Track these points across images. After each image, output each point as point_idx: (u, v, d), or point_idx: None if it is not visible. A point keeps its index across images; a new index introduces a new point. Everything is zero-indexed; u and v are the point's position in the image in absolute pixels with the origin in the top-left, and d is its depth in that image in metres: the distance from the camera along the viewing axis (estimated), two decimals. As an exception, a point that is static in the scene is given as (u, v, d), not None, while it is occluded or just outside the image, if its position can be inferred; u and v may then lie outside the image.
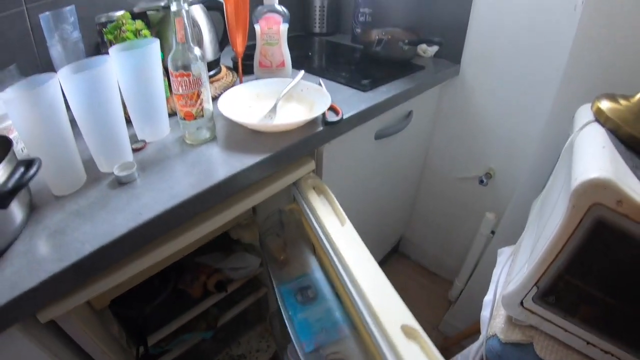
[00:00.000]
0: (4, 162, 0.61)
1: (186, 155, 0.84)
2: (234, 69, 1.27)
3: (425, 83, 1.36)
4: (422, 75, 1.37)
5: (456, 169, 1.75)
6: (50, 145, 0.69)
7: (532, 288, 0.79)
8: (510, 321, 0.88)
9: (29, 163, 0.62)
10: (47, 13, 0.93)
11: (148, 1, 1.13)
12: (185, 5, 0.75)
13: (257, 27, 1.13)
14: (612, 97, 0.88)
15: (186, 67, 0.78)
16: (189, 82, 0.80)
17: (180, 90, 0.80)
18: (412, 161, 1.74)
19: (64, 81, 0.68)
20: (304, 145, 0.92)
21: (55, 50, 0.96)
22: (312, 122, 0.96)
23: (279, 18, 1.12)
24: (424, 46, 1.54)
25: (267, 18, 1.12)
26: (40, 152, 0.67)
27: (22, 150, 0.78)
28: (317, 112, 0.94)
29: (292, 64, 1.20)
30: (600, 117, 0.85)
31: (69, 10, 0.97)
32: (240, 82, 1.15)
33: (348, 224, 0.88)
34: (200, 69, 0.80)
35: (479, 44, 1.46)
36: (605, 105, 0.86)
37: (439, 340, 1.78)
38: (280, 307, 0.98)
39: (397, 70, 1.35)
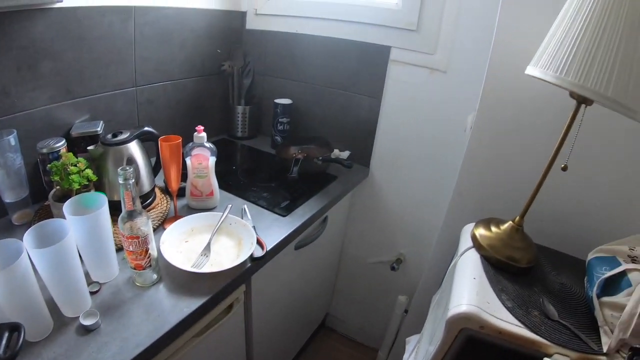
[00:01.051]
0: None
1: (140, 299, 0.96)
2: (167, 190, 1.38)
3: (338, 195, 1.56)
4: (336, 185, 1.59)
5: (370, 254, 1.97)
6: (23, 306, 0.79)
7: None
8: None
9: (12, 327, 0.73)
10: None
11: (84, 126, 1.26)
12: (131, 181, 0.89)
13: (188, 161, 1.28)
14: (487, 224, 1.12)
15: (135, 231, 0.93)
16: (138, 242, 0.94)
17: (131, 248, 0.94)
18: (330, 254, 1.93)
19: (32, 254, 0.79)
20: (236, 281, 1.07)
21: (-1, 178, 1.06)
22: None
23: (207, 154, 1.28)
24: (337, 151, 1.76)
25: (196, 155, 1.28)
26: (14, 311, 0.77)
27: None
28: (245, 253, 1.10)
29: (221, 183, 1.36)
30: (475, 243, 1.09)
31: (13, 137, 1.07)
32: (175, 212, 1.30)
33: None
34: (147, 231, 0.95)
35: (386, 150, 1.72)
36: (479, 232, 1.10)
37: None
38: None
39: (313, 185, 1.54)
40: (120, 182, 0.88)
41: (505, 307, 0.88)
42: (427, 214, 1.71)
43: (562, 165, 0.94)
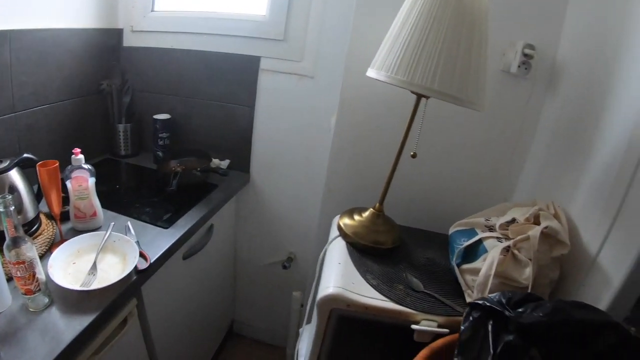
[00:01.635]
0: None
1: (34, 324, 0.96)
2: (51, 216, 1.35)
3: (220, 202, 1.63)
4: (216, 194, 1.65)
5: (263, 257, 2.06)
6: None
7: None
8: None
9: None
10: None
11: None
12: (11, 208, 0.90)
13: (68, 184, 1.28)
14: (350, 214, 1.24)
15: (21, 257, 0.93)
16: (25, 267, 0.94)
17: (19, 274, 0.95)
18: (223, 261, 1.98)
19: None
20: (124, 295, 1.11)
21: None
22: (128, 274, 1.13)
23: (87, 175, 1.29)
24: (217, 161, 1.83)
25: (76, 177, 1.28)
26: None
27: None
28: (129, 267, 1.14)
29: (103, 203, 1.36)
30: (341, 232, 1.20)
31: None
32: (61, 235, 1.28)
33: None
34: (32, 256, 0.96)
35: (263, 155, 1.83)
36: (344, 222, 1.22)
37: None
38: None
39: (194, 196, 1.59)
40: (1, 210, 0.89)
41: (370, 285, 1.00)
42: (308, 212, 1.83)
43: (412, 153, 1.08)
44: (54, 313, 1.01)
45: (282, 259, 1.96)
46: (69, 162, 1.26)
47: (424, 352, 0.78)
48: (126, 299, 1.14)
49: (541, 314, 0.66)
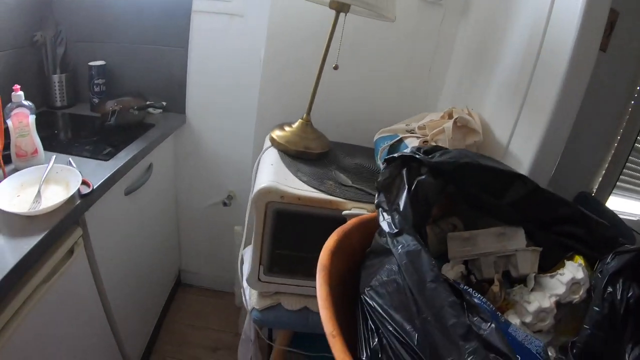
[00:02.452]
0: None
1: None
2: None
3: (157, 138, 1.65)
4: (153, 132, 1.67)
5: (204, 199, 2.10)
6: None
7: (259, 267, 1.16)
8: (260, 295, 1.23)
9: None
10: None
11: None
12: None
13: (9, 122, 1.26)
14: (281, 127, 1.31)
15: None
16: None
17: None
18: (164, 204, 2.00)
19: None
20: (69, 218, 1.13)
21: None
22: (71, 198, 1.16)
23: (27, 112, 1.28)
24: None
25: (16, 114, 1.26)
26: None
27: None
28: (72, 190, 1.16)
29: (44, 147, 1.35)
30: (273, 143, 1.27)
31: None
32: (4, 173, 1.27)
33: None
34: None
35: (198, 95, 1.87)
36: (276, 134, 1.28)
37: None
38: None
39: (132, 134, 1.61)
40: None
41: (301, 180, 1.08)
42: (245, 146, 1.88)
43: (334, 65, 1.17)
44: (1, 239, 1.01)
45: (223, 198, 2.02)
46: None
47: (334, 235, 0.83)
48: (71, 224, 1.16)
49: (449, 157, 0.76)
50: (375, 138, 1.28)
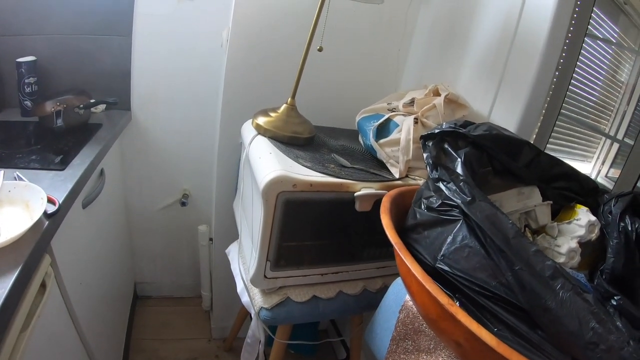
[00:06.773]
0: None
1: None
2: None
3: (109, 140, 1.49)
4: (103, 132, 1.51)
5: (156, 201, 1.95)
6: None
7: (266, 263, 1.10)
8: (265, 293, 1.18)
9: None
10: None
11: None
12: None
13: None
14: (265, 112, 1.25)
15: None
16: None
17: None
18: (115, 211, 1.81)
19: None
20: (41, 244, 0.95)
21: None
22: (39, 221, 0.96)
23: None
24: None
25: None
26: None
27: None
28: (36, 210, 0.98)
29: None
30: (260, 130, 1.22)
31: None
32: None
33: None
34: None
35: (145, 88, 1.71)
36: (261, 120, 1.22)
37: (220, 346, 1.98)
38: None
39: (80, 137, 1.43)
40: None
41: (305, 167, 1.05)
42: (199, 140, 1.79)
43: (318, 47, 1.17)
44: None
45: (178, 198, 1.91)
46: None
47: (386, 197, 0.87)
48: (41, 250, 0.98)
49: (484, 130, 0.82)
50: (357, 119, 1.28)
